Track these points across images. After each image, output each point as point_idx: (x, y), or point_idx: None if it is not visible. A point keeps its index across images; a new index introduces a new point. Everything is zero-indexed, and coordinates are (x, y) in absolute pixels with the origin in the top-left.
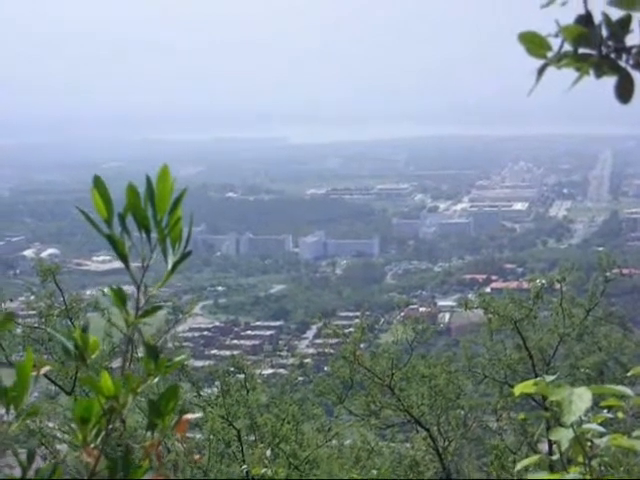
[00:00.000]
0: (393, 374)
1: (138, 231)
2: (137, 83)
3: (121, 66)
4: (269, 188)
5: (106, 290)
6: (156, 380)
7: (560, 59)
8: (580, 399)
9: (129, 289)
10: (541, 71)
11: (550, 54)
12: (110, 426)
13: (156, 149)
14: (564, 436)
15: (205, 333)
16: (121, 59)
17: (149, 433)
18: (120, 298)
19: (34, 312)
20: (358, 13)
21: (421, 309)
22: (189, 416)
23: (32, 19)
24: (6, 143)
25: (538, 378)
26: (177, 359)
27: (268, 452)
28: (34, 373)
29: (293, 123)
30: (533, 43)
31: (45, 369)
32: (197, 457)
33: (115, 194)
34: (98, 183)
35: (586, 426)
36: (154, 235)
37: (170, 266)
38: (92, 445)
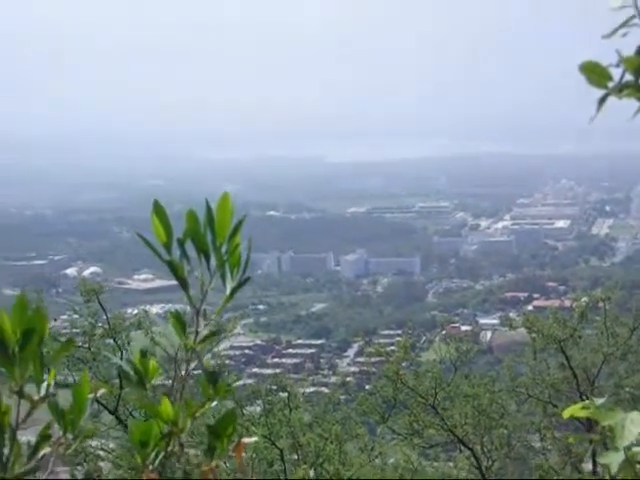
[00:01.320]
0: (436, 393)
1: (197, 256)
2: (178, 100)
3: (164, 83)
4: (310, 206)
5: (149, 309)
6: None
7: (621, 89)
8: (633, 424)
9: (173, 308)
10: (602, 101)
11: (611, 84)
12: (169, 449)
13: (196, 167)
14: (614, 459)
15: (246, 351)
16: (164, 76)
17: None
18: (179, 323)
19: (77, 331)
20: (398, 28)
21: (462, 327)
22: (247, 440)
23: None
24: (47, 163)
25: (585, 400)
26: (234, 384)
27: (312, 472)
28: (91, 396)
29: (328, 142)
30: (594, 73)
31: (101, 391)
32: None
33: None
34: (157, 208)
35: (636, 449)
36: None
37: (229, 292)
38: (150, 468)
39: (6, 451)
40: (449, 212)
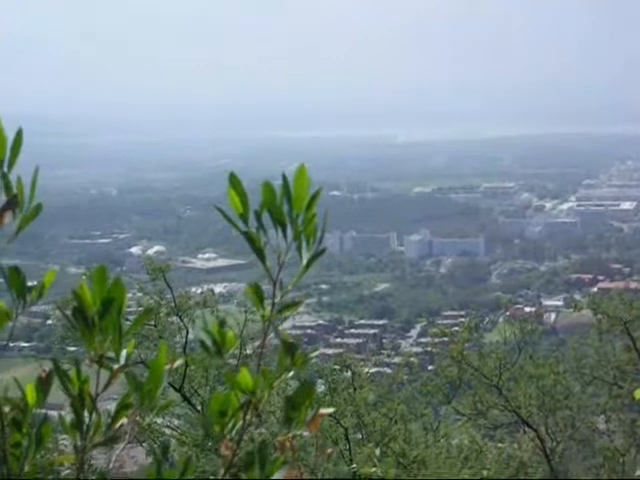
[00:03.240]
0: (501, 374)
1: (273, 227)
2: (239, 81)
3: (223, 65)
4: (374, 186)
5: (214, 287)
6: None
7: None
8: None
9: (236, 287)
10: None
11: None
12: (247, 419)
13: (263, 146)
14: None
15: (309, 331)
16: (223, 58)
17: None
18: (258, 294)
19: (142, 309)
20: (458, 17)
21: (526, 309)
22: (323, 411)
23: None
24: (114, 141)
25: None
26: (312, 354)
27: (377, 451)
28: (167, 367)
29: (402, 121)
30: None
31: (177, 363)
32: (329, 451)
33: (221, 191)
34: (234, 180)
35: None
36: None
37: (305, 262)
38: (229, 438)
39: (86, 420)
40: (514, 193)
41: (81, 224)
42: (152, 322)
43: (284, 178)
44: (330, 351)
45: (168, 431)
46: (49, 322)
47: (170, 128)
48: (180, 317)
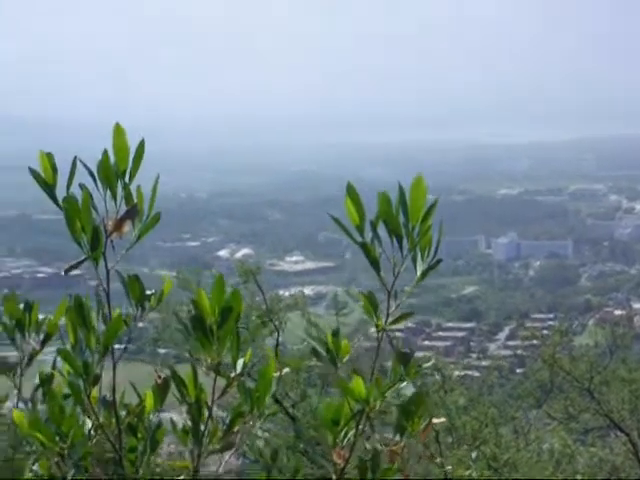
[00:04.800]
0: (592, 377)
1: (389, 237)
2: (325, 85)
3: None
4: (460, 189)
5: (307, 290)
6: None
7: None
8: None
9: (324, 290)
10: None
11: None
12: (359, 428)
13: (351, 151)
14: None
15: (397, 334)
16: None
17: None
18: (372, 303)
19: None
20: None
21: (616, 312)
22: (436, 420)
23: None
24: (204, 146)
25: None
26: (426, 364)
27: (474, 454)
28: (276, 374)
29: (482, 123)
30: None
31: (285, 371)
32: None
33: (305, 195)
34: (351, 191)
35: None
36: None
37: (419, 274)
38: (341, 446)
39: (202, 427)
40: (603, 195)
41: (171, 227)
42: (243, 325)
43: (400, 188)
44: (418, 354)
45: (260, 433)
46: (140, 325)
47: (256, 132)
48: (271, 319)
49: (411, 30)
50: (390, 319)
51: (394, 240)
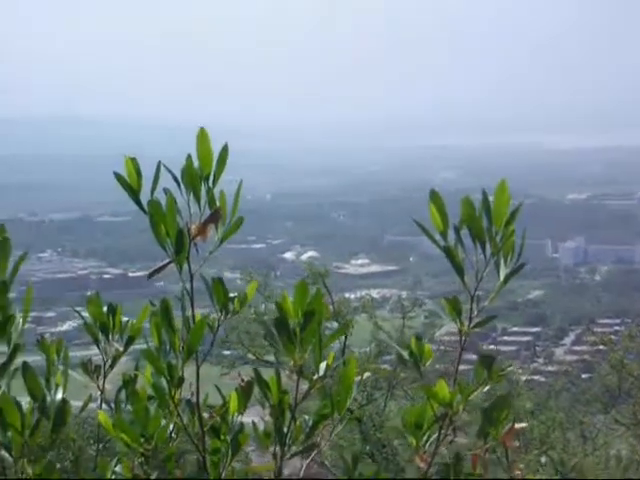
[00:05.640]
0: None
1: (472, 242)
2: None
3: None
4: (527, 193)
5: (371, 293)
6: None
7: None
8: None
9: (389, 293)
10: None
11: None
12: (442, 432)
13: (416, 154)
14: None
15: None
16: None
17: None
18: (455, 308)
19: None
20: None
21: None
22: (519, 426)
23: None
24: (270, 148)
25: None
26: (508, 369)
27: (543, 459)
28: (357, 378)
29: (547, 129)
30: None
31: (366, 374)
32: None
33: (369, 197)
34: (435, 197)
35: None
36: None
37: (502, 278)
38: (424, 450)
39: (285, 429)
40: None
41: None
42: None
43: (484, 193)
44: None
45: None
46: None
47: (327, 132)
48: (339, 322)
49: (481, 30)
50: (473, 323)
51: (477, 244)
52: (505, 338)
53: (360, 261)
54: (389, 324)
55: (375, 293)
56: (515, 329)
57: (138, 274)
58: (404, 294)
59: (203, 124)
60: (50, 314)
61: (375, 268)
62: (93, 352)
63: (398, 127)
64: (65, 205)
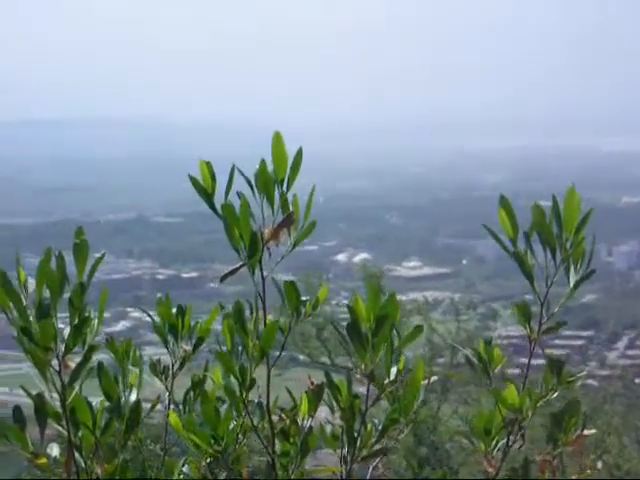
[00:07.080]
0: None
1: (542, 248)
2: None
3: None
4: (582, 196)
5: (421, 297)
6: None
7: None
8: None
9: (441, 296)
10: None
11: None
12: (510, 438)
13: (463, 156)
14: None
15: (514, 341)
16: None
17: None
18: (524, 314)
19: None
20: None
21: None
22: (587, 432)
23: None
24: (313, 150)
25: None
26: (579, 374)
27: (599, 464)
28: (425, 382)
29: (604, 131)
30: None
31: (433, 379)
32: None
33: (419, 199)
34: (504, 203)
35: None
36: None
37: (572, 284)
38: (492, 455)
39: (355, 434)
40: None
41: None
42: None
43: (554, 199)
44: (535, 362)
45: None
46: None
47: (367, 136)
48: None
49: (529, 32)
50: (543, 329)
51: (547, 251)
52: (557, 342)
53: (412, 263)
54: (442, 327)
55: (427, 296)
56: (568, 333)
57: (192, 274)
58: (457, 297)
59: (251, 125)
60: (105, 314)
61: (427, 271)
62: (149, 352)
63: (443, 127)
64: (121, 206)
